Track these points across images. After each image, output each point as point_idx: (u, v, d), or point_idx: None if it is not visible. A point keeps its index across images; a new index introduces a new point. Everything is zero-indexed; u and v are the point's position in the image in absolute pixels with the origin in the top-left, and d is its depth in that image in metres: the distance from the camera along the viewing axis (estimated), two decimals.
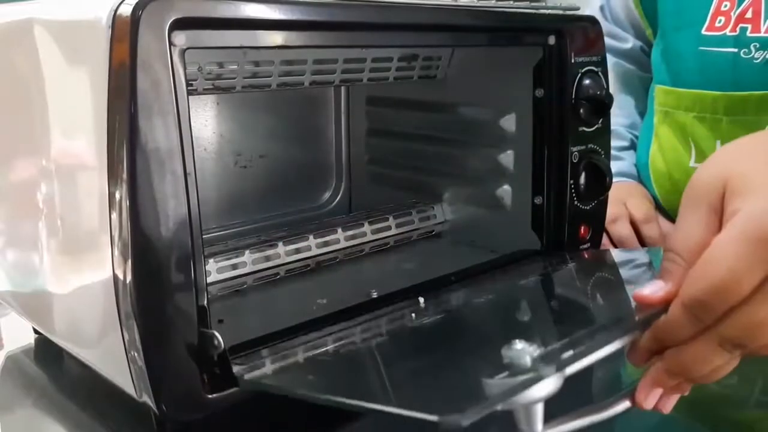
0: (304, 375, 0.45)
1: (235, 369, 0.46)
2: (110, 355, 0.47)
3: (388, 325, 0.53)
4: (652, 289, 0.40)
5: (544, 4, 0.66)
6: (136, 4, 0.41)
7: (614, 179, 0.69)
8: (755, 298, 0.35)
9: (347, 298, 0.60)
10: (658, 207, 0.93)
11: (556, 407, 0.38)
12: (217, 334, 0.45)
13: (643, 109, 1.00)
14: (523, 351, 0.37)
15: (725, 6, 0.83)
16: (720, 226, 0.37)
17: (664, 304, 0.39)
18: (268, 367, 0.47)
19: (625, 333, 0.41)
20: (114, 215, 0.43)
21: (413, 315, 0.55)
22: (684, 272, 0.38)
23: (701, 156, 0.87)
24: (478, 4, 0.62)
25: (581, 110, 0.66)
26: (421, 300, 0.59)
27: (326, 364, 0.47)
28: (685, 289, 0.37)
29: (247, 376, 0.45)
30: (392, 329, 0.52)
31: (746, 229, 0.34)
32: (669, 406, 0.42)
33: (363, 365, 0.46)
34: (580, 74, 0.66)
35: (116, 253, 0.43)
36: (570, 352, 0.38)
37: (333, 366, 0.46)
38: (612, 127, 0.70)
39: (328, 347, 0.49)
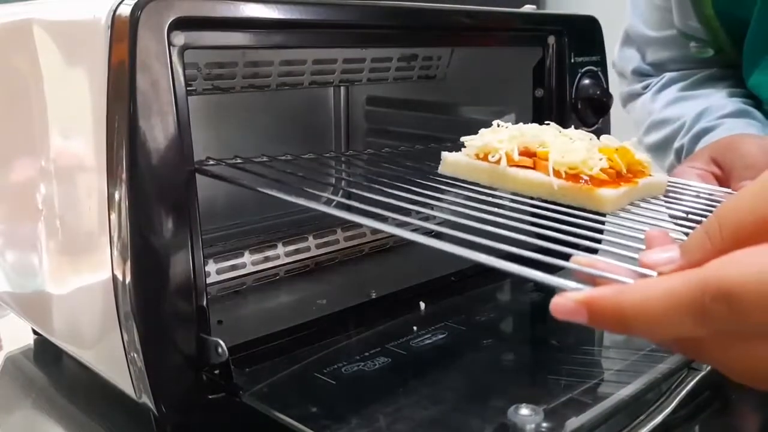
0: (304, 401, 0.44)
1: (235, 372, 0.46)
2: (109, 356, 0.46)
3: (390, 344, 0.52)
4: (659, 259, 0.30)
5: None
6: (135, 4, 0.41)
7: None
8: None
9: (347, 299, 0.60)
10: None
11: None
12: (221, 341, 0.44)
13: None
14: (528, 418, 0.39)
15: None
16: None
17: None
18: (268, 380, 0.47)
19: (626, 385, 0.43)
20: (113, 216, 0.43)
21: (415, 328, 0.55)
22: (713, 256, 0.27)
23: None
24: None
25: (581, 110, 0.66)
26: (422, 305, 0.59)
27: (326, 390, 0.46)
28: (725, 269, 0.25)
29: (247, 387, 0.45)
30: (394, 352, 0.51)
31: None
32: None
33: (363, 400, 0.46)
34: (579, 74, 0.66)
35: (115, 253, 0.43)
36: (573, 420, 0.40)
37: (333, 395, 0.46)
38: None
39: (328, 368, 0.49)
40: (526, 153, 0.53)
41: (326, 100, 0.88)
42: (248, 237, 0.71)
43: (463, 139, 0.57)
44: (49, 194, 0.50)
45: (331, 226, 0.73)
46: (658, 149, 0.85)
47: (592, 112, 0.67)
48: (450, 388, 0.48)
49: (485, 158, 0.54)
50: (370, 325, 0.56)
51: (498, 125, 0.57)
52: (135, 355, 0.44)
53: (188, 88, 0.44)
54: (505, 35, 0.66)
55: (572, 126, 0.65)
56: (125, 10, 0.41)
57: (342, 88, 0.87)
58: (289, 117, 0.84)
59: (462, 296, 0.60)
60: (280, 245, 0.69)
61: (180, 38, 0.43)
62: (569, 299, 0.27)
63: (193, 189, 0.45)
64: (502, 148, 0.53)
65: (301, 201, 0.48)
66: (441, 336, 0.54)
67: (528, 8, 0.69)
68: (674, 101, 0.84)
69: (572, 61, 0.65)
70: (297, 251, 0.70)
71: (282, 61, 0.67)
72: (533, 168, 0.52)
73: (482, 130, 0.57)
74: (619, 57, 0.90)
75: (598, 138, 0.55)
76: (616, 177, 0.51)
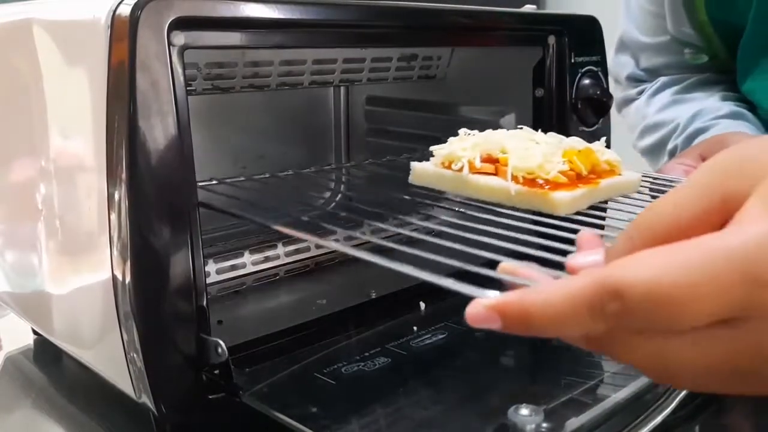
0: (304, 401, 0.44)
1: (235, 372, 0.46)
2: (109, 356, 0.46)
3: (390, 344, 0.52)
4: (584, 262, 0.31)
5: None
6: (135, 4, 0.41)
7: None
8: (690, 338, 0.26)
9: (347, 299, 0.60)
10: None
11: None
12: (221, 342, 0.44)
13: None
14: (528, 419, 0.39)
15: None
16: (718, 227, 0.28)
17: None
18: (268, 380, 0.47)
19: (626, 385, 0.43)
20: (113, 216, 0.43)
21: (415, 328, 0.55)
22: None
23: None
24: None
25: (581, 110, 0.66)
26: (422, 305, 0.59)
27: (326, 390, 0.46)
28: (621, 270, 0.26)
29: (247, 387, 0.45)
30: (394, 352, 0.51)
31: (746, 257, 0.25)
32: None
33: (363, 400, 0.46)
34: (579, 74, 0.66)
35: (115, 253, 0.43)
36: (573, 421, 0.40)
37: (333, 396, 0.46)
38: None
39: (328, 368, 0.49)
40: (489, 160, 0.54)
41: (326, 100, 0.88)
42: (248, 237, 0.71)
43: (431, 148, 0.58)
44: (49, 194, 0.50)
45: (331, 230, 0.73)
46: (653, 152, 0.85)
47: (592, 112, 0.67)
48: (450, 388, 0.48)
49: (450, 166, 0.55)
50: (370, 325, 0.56)
51: (465, 133, 0.58)
52: (135, 355, 0.44)
53: (188, 88, 0.44)
54: (505, 35, 0.66)
55: (572, 126, 0.65)
56: (125, 10, 0.41)
57: (342, 88, 0.87)
58: (289, 117, 0.84)
59: (462, 296, 0.60)
60: (280, 245, 0.69)
61: (180, 38, 0.43)
62: (480, 306, 0.28)
63: (193, 189, 0.45)
64: (465, 156, 0.54)
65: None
66: (441, 336, 0.54)
67: (528, 8, 0.69)
68: (668, 105, 0.84)
69: (572, 61, 0.65)
70: (297, 251, 0.70)
71: (282, 61, 0.67)
72: (495, 174, 0.53)
73: (451, 139, 0.59)
74: (613, 63, 0.90)
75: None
76: (576, 179, 0.52)
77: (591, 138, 0.67)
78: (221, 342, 0.45)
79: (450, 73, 0.80)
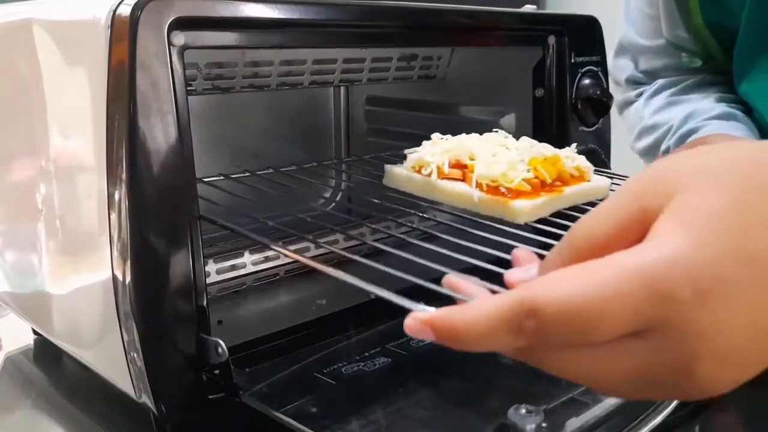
0: (304, 402, 0.45)
1: (235, 372, 0.46)
2: (109, 356, 0.46)
3: (390, 344, 0.52)
4: (519, 278, 0.32)
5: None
6: (135, 4, 0.41)
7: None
8: (604, 350, 0.27)
9: (347, 299, 0.60)
10: None
11: None
12: (221, 342, 0.44)
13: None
14: (528, 419, 0.39)
15: None
16: (635, 242, 0.28)
17: None
18: (268, 380, 0.47)
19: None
20: (113, 215, 0.43)
21: None
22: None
23: None
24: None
25: (581, 110, 0.66)
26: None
27: (326, 390, 0.46)
28: (538, 289, 0.27)
29: (247, 387, 0.45)
30: (394, 352, 0.51)
31: (653, 274, 0.26)
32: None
33: (363, 400, 0.46)
34: (579, 74, 0.66)
35: (115, 253, 0.43)
36: (573, 421, 0.40)
37: (333, 396, 0.46)
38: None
39: (328, 368, 0.49)
40: (458, 166, 0.56)
41: (326, 100, 0.88)
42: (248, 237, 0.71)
43: (406, 151, 0.60)
44: (49, 194, 0.50)
45: (332, 230, 0.73)
46: (649, 154, 0.86)
47: (592, 112, 0.67)
48: (450, 388, 0.48)
49: (420, 171, 0.57)
50: (370, 325, 0.56)
51: (438, 137, 0.60)
52: (135, 355, 0.44)
53: (188, 88, 0.44)
54: (505, 35, 0.66)
55: (572, 126, 0.65)
56: (125, 10, 0.41)
57: (342, 88, 0.87)
58: (289, 117, 0.84)
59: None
60: (279, 245, 0.69)
61: (180, 38, 0.43)
62: (416, 319, 0.30)
63: (193, 188, 0.45)
64: (434, 161, 0.56)
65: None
66: None
67: (528, 8, 0.69)
68: (664, 107, 0.84)
69: (572, 61, 0.65)
70: (297, 251, 0.70)
71: (282, 61, 0.67)
72: (463, 180, 0.55)
73: (424, 143, 0.60)
74: (613, 66, 0.90)
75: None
76: (541, 187, 0.53)
77: (591, 138, 0.67)
78: (221, 342, 0.45)
79: (450, 73, 0.80)
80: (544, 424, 0.39)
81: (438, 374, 0.50)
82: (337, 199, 0.88)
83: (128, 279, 0.43)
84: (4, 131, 0.57)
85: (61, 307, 0.52)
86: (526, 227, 0.49)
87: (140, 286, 0.43)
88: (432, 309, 0.30)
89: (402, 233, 0.52)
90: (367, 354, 0.51)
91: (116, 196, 0.42)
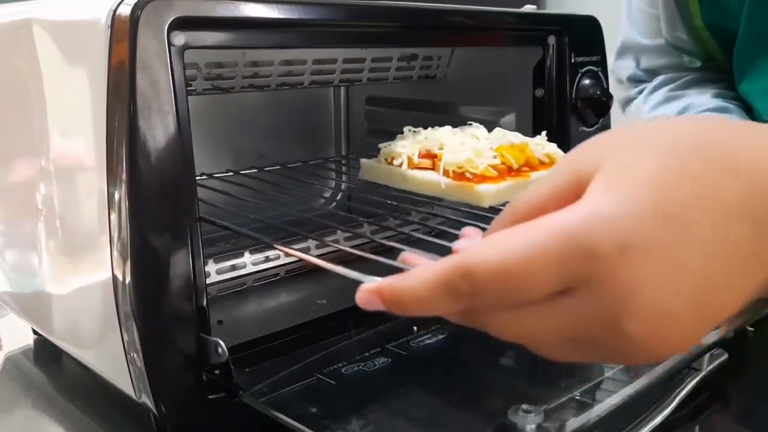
0: (304, 401, 0.45)
1: (235, 372, 0.45)
2: (109, 356, 0.46)
3: (390, 344, 0.52)
4: (464, 247, 0.32)
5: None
6: (135, 4, 0.41)
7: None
8: (535, 309, 0.28)
9: (347, 299, 0.60)
10: None
11: None
12: (221, 342, 0.44)
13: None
14: (528, 419, 0.39)
15: None
16: (572, 203, 0.29)
17: None
18: (268, 380, 0.47)
19: (626, 385, 0.43)
20: (113, 215, 0.43)
21: (415, 328, 0.55)
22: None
23: None
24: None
25: (581, 110, 0.66)
26: None
27: (326, 390, 0.46)
28: (472, 252, 0.28)
29: (247, 387, 0.45)
30: (394, 353, 0.51)
31: (577, 231, 0.27)
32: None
33: (363, 400, 0.46)
34: (579, 74, 0.66)
35: (115, 253, 0.43)
36: (573, 421, 0.40)
37: (333, 396, 0.46)
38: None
39: (328, 369, 0.49)
40: (428, 155, 0.58)
41: (326, 100, 0.88)
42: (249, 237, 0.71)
43: (380, 145, 0.62)
44: (49, 194, 0.50)
45: (331, 226, 0.73)
46: None
47: (592, 112, 0.67)
48: (450, 388, 0.48)
49: (392, 162, 0.60)
50: (370, 325, 0.56)
51: (410, 130, 0.63)
52: (135, 355, 0.44)
53: (188, 88, 0.44)
54: (505, 35, 0.66)
55: (572, 126, 0.65)
56: (125, 10, 0.41)
57: (342, 88, 0.87)
58: (289, 117, 0.84)
59: None
60: (280, 244, 0.69)
61: (180, 38, 0.43)
62: (364, 291, 0.30)
63: (193, 188, 0.45)
64: (404, 152, 0.59)
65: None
66: (441, 336, 0.54)
67: (528, 8, 0.69)
68: (662, 102, 0.85)
69: (572, 61, 0.65)
70: (298, 250, 0.70)
71: (282, 61, 0.67)
72: (432, 169, 0.57)
73: (398, 136, 0.63)
74: (615, 66, 0.91)
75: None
76: (508, 172, 0.56)
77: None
78: (221, 342, 0.45)
79: (450, 73, 0.80)
80: (544, 424, 0.39)
81: (438, 374, 0.50)
82: (338, 198, 0.88)
83: (128, 279, 0.43)
84: (4, 131, 0.57)
85: (61, 307, 0.52)
86: None
87: (140, 286, 0.43)
88: (379, 279, 0.31)
89: (402, 230, 0.52)
90: (367, 354, 0.51)
91: (116, 196, 0.42)
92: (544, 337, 0.29)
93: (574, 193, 0.29)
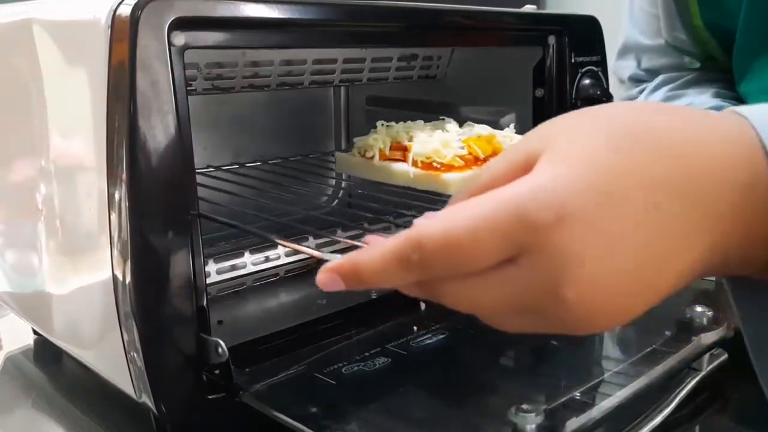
0: (304, 401, 0.44)
1: (235, 372, 0.45)
2: (109, 356, 0.46)
3: (390, 344, 0.52)
4: (423, 221, 0.33)
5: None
6: (136, 4, 0.41)
7: None
8: (482, 279, 0.30)
9: (347, 299, 0.60)
10: None
11: None
12: (221, 342, 0.44)
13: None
14: (528, 419, 0.39)
15: None
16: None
17: None
18: (268, 380, 0.47)
19: (626, 385, 0.44)
20: (113, 215, 0.43)
21: (415, 328, 0.55)
22: None
23: None
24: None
25: None
26: (422, 305, 0.59)
27: (326, 390, 0.46)
28: (424, 225, 0.30)
29: (247, 387, 0.45)
30: (394, 352, 0.51)
31: (517, 202, 0.28)
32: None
33: (363, 400, 0.46)
34: (580, 74, 0.66)
35: (115, 253, 0.43)
36: (573, 421, 0.40)
37: (333, 396, 0.46)
38: None
39: (328, 368, 0.49)
40: (399, 148, 0.61)
41: (326, 100, 0.88)
42: (248, 237, 0.71)
43: (354, 139, 0.65)
44: (49, 194, 0.50)
45: (331, 226, 0.73)
46: None
47: None
48: (450, 388, 0.48)
49: (365, 155, 0.63)
50: (370, 325, 0.56)
51: (382, 124, 0.65)
52: (135, 355, 0.44)
53: (188, 88, 0.44)
54: (505, 35, 0.66)
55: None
56: (125, 10, 0.41)
57: (342, 88, 0.87)
58: (289, 117, 0.84)
59: None
60: (284, 240, 0.69)
61: (180, 38, 0.43)
62: (324, 271, 0.31)
63: (193, 188, 0.45)
64: (376, 145, 0.61)
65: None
66: (441, 336, 0.54)
67: (528, 8, 0.69)
68: (662, 101, 0.85)
69: (572, 61, 0.65)
70: (297, 251, 0.70)
71: (282, 61, 0.67)
72: (403, 160, 0.60)
73: (372, 130, 0.65)
74: (616, 66, 0.91)
75: None
76: (474, 162, 0.59)
77: None
78: (221, 342, 0.45)
79: (450, 73, 0.80)
80: (544, 424, 0.39)
81: (438, 374, 0.50)
82: (339, 196, 0.88)
83: (128, 279, 0.43)
84: (4, 131, 0.57)
85: (61, 307, 0.52)
86: None
87: (140, 286, 0.43)
88: (338, 257, 0.32)
89: (402, 229, 0.52)
90: (367, 354, 0.51)
91: (116, 196, 0.42)
92: (494, 306, 0.31)
93: (524, 170, 0.30)
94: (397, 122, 0.83)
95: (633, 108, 0.32)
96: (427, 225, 0.29)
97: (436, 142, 0.58)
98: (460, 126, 0.68)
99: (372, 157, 0.62)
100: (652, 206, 0.29)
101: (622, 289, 0.29)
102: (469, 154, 0.58)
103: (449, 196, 0.58)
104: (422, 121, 0.66)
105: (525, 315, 0.31)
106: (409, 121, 0.66)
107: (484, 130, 0.63)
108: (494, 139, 0.61)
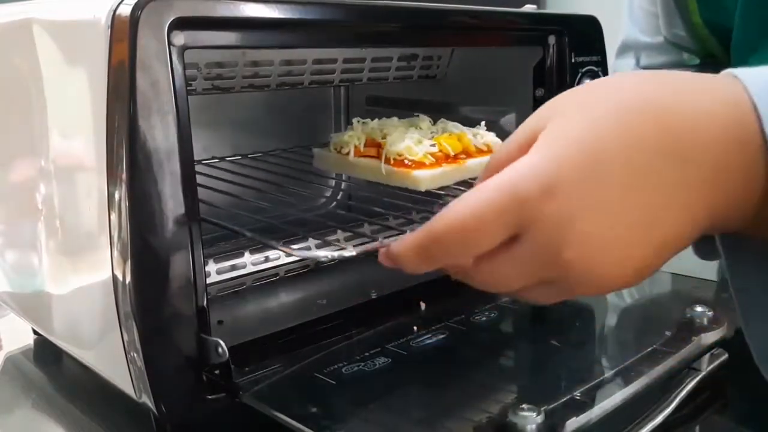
0: (304, 401, 0.44)
1: (235, 372, 0.45)
2: (109, 356, 0.46)
3: (390, 344, 0.52)
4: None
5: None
6: (135, 4, 0.41)
7: None
8: (497, 258, 0.33)
9: (347, 299, 0.60)
10: None
11: None
12: (221, 342, 0.44)
13: None
14: (528, 419, 0.39)
15: None
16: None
17: None
18: (268, 380, 0.47)
19: (627, 385, 0.44)
20: (113, 215, 0.43)
21: (415, 328, 0.55)
22: None
23: None
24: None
25: None
26: (422, 305, 0.59)
27: (326, 390, 0.46)
28: (435, 218, 0.33)
29: (247, 387, 0.45)
30: (394, 353, 0.51)
31: (510, 183, 0.31)
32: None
33: (363, 400, 0.46)
34: (580, 74, 0.66)
35: (115, 253, 0.43)
36: (573, 421, 0.40)
37: (333, 396, 0.46)
38: None
39: (328, 368, 0.49)
40: (373, 144, 0.63)
41: (326, 100, 0.88)
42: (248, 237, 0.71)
43: (331, 135, 0.67)
44: (49, 194, 0.50)
45: (331, 226, 0.73)
46: None
47: None
48: (450, 388, 0.48)
49: (341, 151, 0.65)
50: (370, 325, 0.56)
51: (358, 121, 0.67)
52: (135, 355, 0.44)
53: (188, 88, 0.44)
54: (505, 35, 0.66)
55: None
56: (125, 10, 0.41)
57: (342, 88, 0.87)
58: (288, 117, 0.84)
59: (462, 296, 0.60)
60: (281, 245, 0.69)
61: (180, 38, 0.43)
62: (381, 254, 0.37)
63: (193, 188, 0.45)
64: (351, 142, 0.63)
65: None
66: (441, 336, 0.54)
67: (528, 8, 0.69)
68: None
69: (572, 61, 0.65)
70: (300, 249, 0.70)
71: (282, 61, 0.67)
72: (377, 157, 0.62)
73: (348, 127, 0.67)
74: (616, 64, 0.91)
75: None
76: (445, 159, 0.61)
77: None
78: (221, 342, 0.45)
79: (450, 73, 0.80)
80: (544, 424, 0.39)
81: (438, 374, 0.50)
82: (338, 197, 0.88)
83: (128, 279, 0.43)
84: (4, 131, 0.57)
85: (61, 307, 0.52)
86: None
87: (140, 286, 0.43)
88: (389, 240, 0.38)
89: (403, 229, 0.52)
90: (367, 354, 0.51)
91: (116, 196, 0.42)
92: (515, 282, 0.33)
93: (528, 148, 0.33)
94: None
95: (624, 80, 0.35)
96: (441, 216, 0.33)
97: (409, 140, 0.61)
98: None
99: (347, 154, 0.63)
100: (640, 168, 0.31)
101: (618, 243, 0.31)
102: (440, 151, 0.61)
103: (443, 196, 0.59)
104: (397, 118, 0.68)
105: (544, 286, 0.33)
106: (384, 118, 0.68)
107: (455, 128, 0.65)
108: (465, 137, 0.64)
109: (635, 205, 0.31)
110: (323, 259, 0.50)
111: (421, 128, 0.65)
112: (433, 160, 0.60)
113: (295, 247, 0.44)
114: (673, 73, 0.35)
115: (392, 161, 0.60)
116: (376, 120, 0.67)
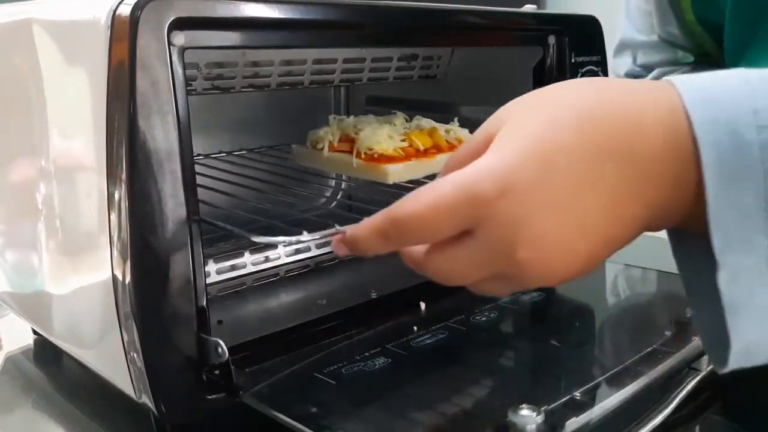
0: (304, 401, 0.44)
1: (235, 372, 0.45)
2: (109, 356, 0.46)
3: (390, 344, 0.52)
4: None
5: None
6: (135, 4, 0.41)
7: None
8: (449, 249, 0.34)
9: (347, 299, 0.60)
10: None
11: None
12: (221, 342, 0.44)
13: None
14: (528, 419, 0.39)
15: None
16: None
17: None
18: (268, 380, 0.47)
19: (626, 385, 0.44)
20: (113, 216, 0.43)
21: (415, 328, 0.55)
22: None
23: None
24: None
25: None
26: (422, 305, 0.59)
27: (326, 390, 0.46)
28: (396, 205, 0.35)
29: (247, 387, 0.45)
30: (394, 353, 0.51)
31: (467, 181, 0.33)
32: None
33: (363, 400, 0.46)
34: (580, 74, 0.66)
35: (115, 253, 0.43)
36: (573, 421, 0.40)
37: (333, 396, 0.46)
38: None
39: (328, 368, 0.49)
40: (347, 140, 0.66)
41: (326, 100, 0.88)
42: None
43: (310, 131, 0.70)
44: (49, 194, 0.50)
45: (331, 226, 0.73)
46: None
47: None
48: (450, 388, 0.48)
49: (316, 146, 0.68)
50: (370, 325, 0.56)
51: (334, 118, 0.70)
52: (135, 355, 0.44)
53: (188, 88, 0.44)
54: (505, 35, 0.66)
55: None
56: (125, 10, 0.41)
57: (342, 88, 0.87)
58: (289, 117, 0.84)
59: (462, 296, 0.60)
60: (280, 245, 0.69)
61: (180, 38, 0.43)
62: (335, 239, 0.39)
63: (193, 188, 0.45)
64: (326, 137, 0.66)
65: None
66: (441, 336, 0.54)
67: (528, 8, 0.69)
68: None
69: (572, 61, 0.65)
70: (297, 251, 0.70)
71: (282, 61, 0.67)
72: (350, 152, 0.64)
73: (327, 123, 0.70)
74: (613, 64, 0.92)
75: None
76: (415, 154, 0.64)
77: None
78: (221, 342, 0.45)
79: (450, 73, 0.80)
80: (544, 424, 0.39)
81: (438, 374, 0.50)
82: (338, 197, 0.88)
83: (128, 279, 0.43)
84: (4, 131, 0.57)
85: (61, 307, 0.52)
86: None
87: (140, 286, 0.43)
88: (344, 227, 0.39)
89: None
90: (367, 354, 0.51)
91: (116, 196, 0.42)
92: (468, 275, 0.35)
93: (484, 150, 0.35)
94: None
95: (576, 87, 0.37)
96: (399, 204, 0.35)
97: (380, 135, 0.63)
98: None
99: (322, 149, 0.66)
100: (591, 169, 0.33)
101: (568, 240, 0.33)
102: (410, 146, 0.64)
103: None
104: (372, 116, 0.70)
105: (497, 279, 0.35)
106: (360, 116, 0.70)
107: (427, 123, 0.68)
108: (436, 133, 0.66)
109: (585, 205, 0.33)
110: (282, 244, 0.56)
111: (395, 125, 0.68)
112: (404, 154, 0.63)
113: (259, 235, 0.47)
114: (620, 80, 0.37)
115: (363, 156, 0.63)
116: (352, 117, 0.69)
